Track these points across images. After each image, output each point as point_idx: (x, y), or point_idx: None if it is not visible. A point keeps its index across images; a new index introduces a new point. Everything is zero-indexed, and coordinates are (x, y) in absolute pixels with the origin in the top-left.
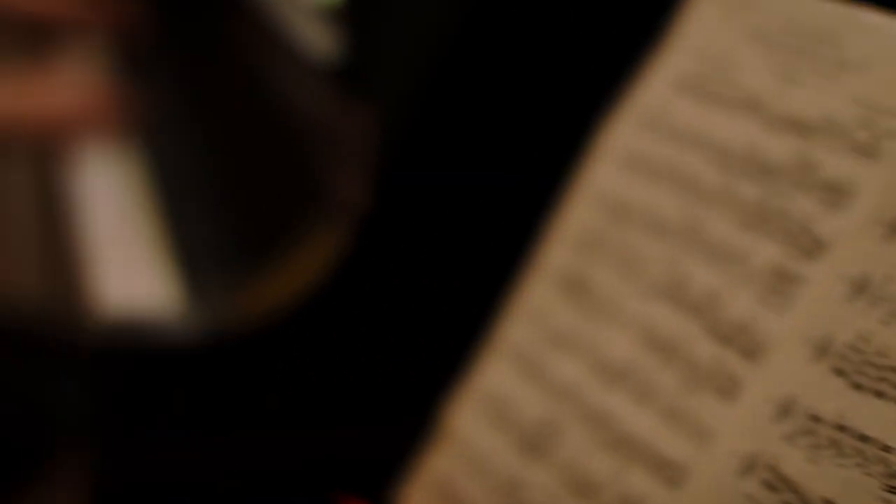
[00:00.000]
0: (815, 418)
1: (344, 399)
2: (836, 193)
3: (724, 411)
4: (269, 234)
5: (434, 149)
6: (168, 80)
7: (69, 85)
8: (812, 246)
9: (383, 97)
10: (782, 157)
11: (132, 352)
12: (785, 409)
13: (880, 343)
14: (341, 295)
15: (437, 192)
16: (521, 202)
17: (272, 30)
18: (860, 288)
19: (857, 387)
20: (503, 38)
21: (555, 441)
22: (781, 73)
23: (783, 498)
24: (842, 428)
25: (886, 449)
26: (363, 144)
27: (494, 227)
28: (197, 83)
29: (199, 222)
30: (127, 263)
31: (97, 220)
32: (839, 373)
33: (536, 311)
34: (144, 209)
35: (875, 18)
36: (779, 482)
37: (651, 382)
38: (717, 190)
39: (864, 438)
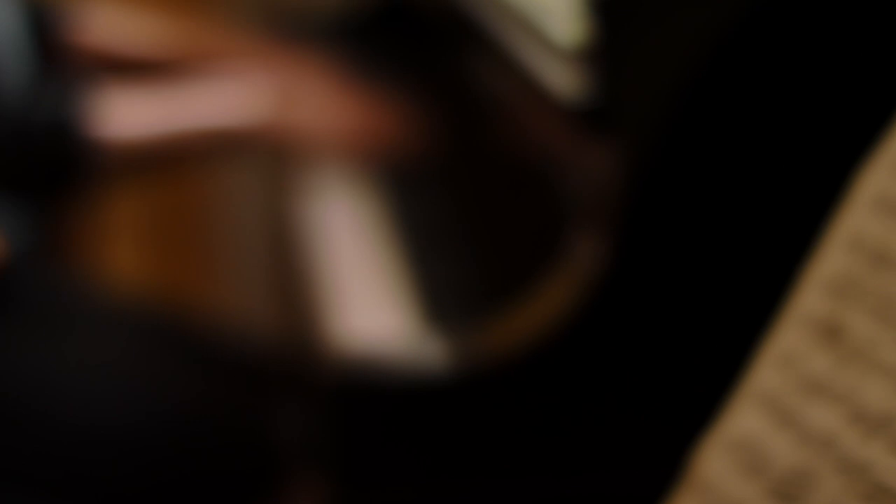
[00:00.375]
0: None
1: (588, 443)
2: None
3: None
4: (509, 273)
5: (687, 178)
6: (419, 121)
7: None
8: None
9: (634, 135)
10: None
11: (371, 387)
12: None
13: None
14: (586, 334)
15: (688, 224)
16: (776, 236)
17: (520, 70)
18: None
19: None
20: (753, 67)
21: (808, 490)
22: None
23: None
24: None
25: None
26: (610, 185)
27: (749, 264)
28: (445, 125)
29: (440, 259)
30: (367, 296)
31: (337, 250)
32: None
33: (789, 356)
34: (386, 241)
35: None
36: None
37: None
38: None
39: None
